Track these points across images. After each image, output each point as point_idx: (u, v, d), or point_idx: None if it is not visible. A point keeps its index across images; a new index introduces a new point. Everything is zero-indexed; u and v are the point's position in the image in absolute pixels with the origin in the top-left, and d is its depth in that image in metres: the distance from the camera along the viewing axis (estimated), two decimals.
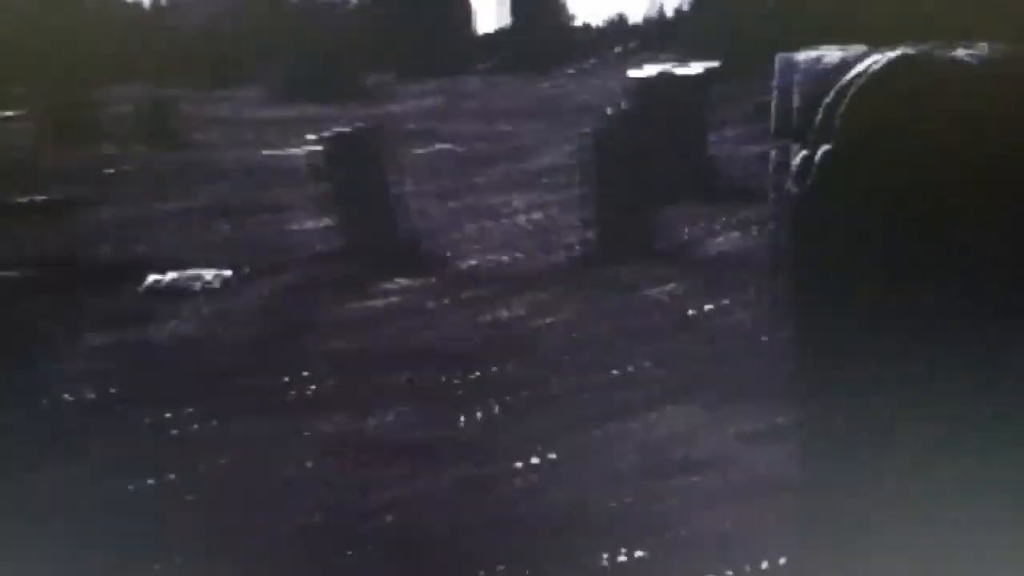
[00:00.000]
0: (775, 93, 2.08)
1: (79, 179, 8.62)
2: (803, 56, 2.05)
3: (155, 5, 15.45)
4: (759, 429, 3.25)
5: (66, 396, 3.83)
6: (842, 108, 1.91)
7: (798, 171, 1.95)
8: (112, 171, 9.18)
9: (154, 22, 15.18)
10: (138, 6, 15.58)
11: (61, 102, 11.08)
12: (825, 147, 1.91)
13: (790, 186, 1.93)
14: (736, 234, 6.46)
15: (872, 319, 1.87)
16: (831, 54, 2.01)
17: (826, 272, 1.94)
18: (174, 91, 12.46)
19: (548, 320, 4.83)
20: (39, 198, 7.44)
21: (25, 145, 10.30)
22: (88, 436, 3.47)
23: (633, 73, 7.99)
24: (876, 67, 1.88)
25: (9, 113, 12.37)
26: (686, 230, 6.68)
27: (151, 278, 5.58)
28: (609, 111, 7.02)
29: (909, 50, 1.90)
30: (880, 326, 1.87)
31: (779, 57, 2.11)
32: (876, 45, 1.97)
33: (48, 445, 3.38)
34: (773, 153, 2.11)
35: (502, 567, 2.51)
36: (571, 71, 15.25)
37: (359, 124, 7.49)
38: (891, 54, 1.89)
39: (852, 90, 1.91)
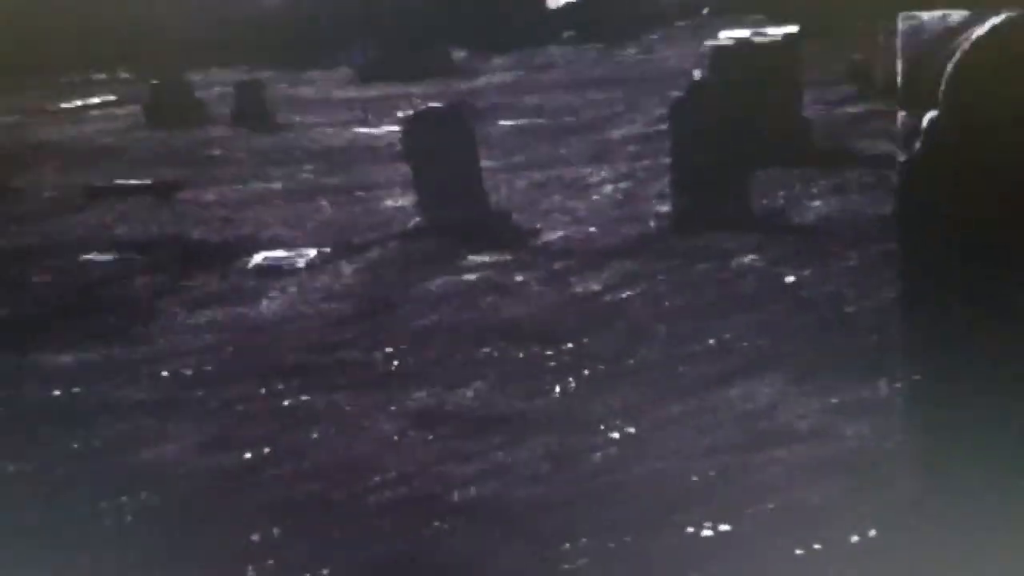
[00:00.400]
0: (901, 55, 2.00)
1: (183, 161, 9.00)
2: (927, 17, 1.98)
3: None
4: (850, 400, 3.22)
5: (177, 372, 4.05)
6: (947, 74, 1.87)
7: (905, 137, 1.92)
8: (216, 152, 9.54)
9: (245, 6, 15.58)
10: None
11: (163, 86, 11.51)
12: (932, 113, 1.87)
13: (900, 152, 1.89)
14: (832, 199, 6.31)
15: (981, 296, 1.83)
16: (954, 15, 1.93)
17: (932, 240, 1.91)
18: (266, 73, 12.84)
19: (637, 290, 4.85)
20: (145, 180, 7.80)
21: (130, 128, 10.81)
22: (191, 410, 3.66)
23: (717, 40, 7.82)
24: (981, 32, 1.83)
25: (113, 97, 12.97)
26: (780, 194, 6.55)
27: (258, 256, 5.82)
28: (697, 75, 6.92)
29: (1014, 13, 1.84)
30: (990, 303, 1.83)
31: (903, 17, 2.03)
32: (982, 8, 1.91)
33: (153, 420, 3.58)
34: (902, 116, 2.02)
35: (586, 539, 2.56)
36: (654, 36, 15.02)
37: (442, 101, 7.62)
38: (996, 19, 1.84)
39: (957, 55, 1.86)
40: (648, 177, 8.25)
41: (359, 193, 8.19)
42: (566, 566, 2.42)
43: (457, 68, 14.18)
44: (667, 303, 4.56)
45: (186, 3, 15.43)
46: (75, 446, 3.28)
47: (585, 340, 4.05)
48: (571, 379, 3.70)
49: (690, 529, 2.57)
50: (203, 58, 13.67)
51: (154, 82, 11.50)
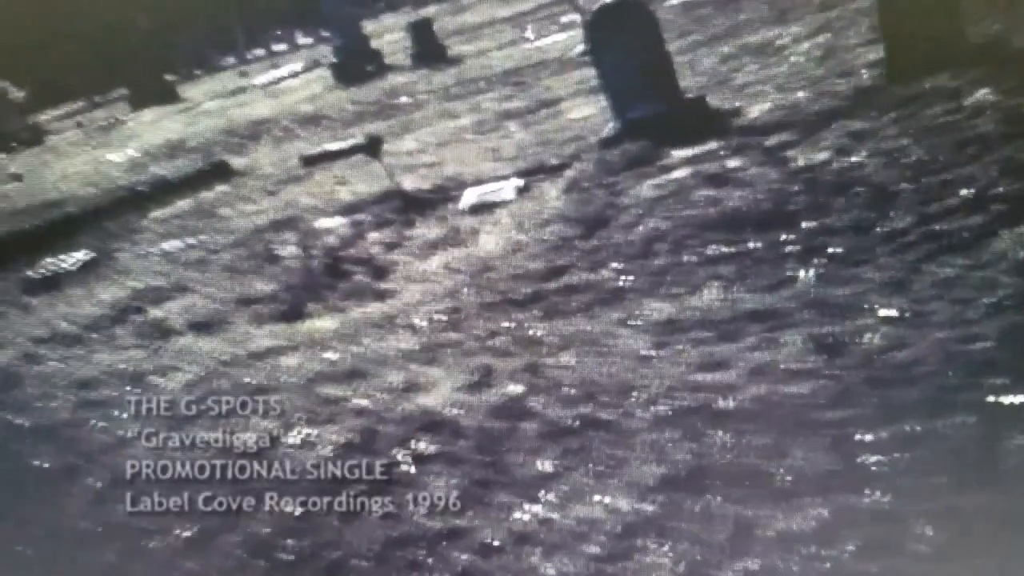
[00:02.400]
0: None
1: (378, 114, 9.37)
2: None
3: None
4: None
5: (430, 317, 4.27)
6: None
7: None
8: (404, 99, 9.84)
9: None
10: None
11: (343, 46, 11.92)
12: None
13: None
14: None
15: None
16: None
17: None
18: (431, 8, 12.99)
19: (867, 151, 4.51)
20: (350, 141, 8.19)
21: (323, 92, 11.36)
22: (453, 352, 3.84)
23: None
24: None
25: (299, 66, 13.63)
26: (994, 25, 5.79)
27: (466, 194, 5.99)
28: None
29: None
30: None
31: None
32: None
33: (421, 366, 3.81)
34: None
35: (879, 431, 2.45)
36: None
37: None
38: None
39: None
40: (845, 26, 7.58)
41: (544, 110, 8.16)
42: (864, 460, 2.36)
43: None
44: (905, 158, 4.20)
45: None
46: (364, 403, 3.57)
47: (824, 217, 3.82)
48: (817, 261, 3.53)
49: (991, 398, 2.41)
50: (372, 5, 13.96)
51: (336, 43, 11.94)
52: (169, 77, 17.10)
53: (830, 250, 3.59)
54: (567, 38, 11.39)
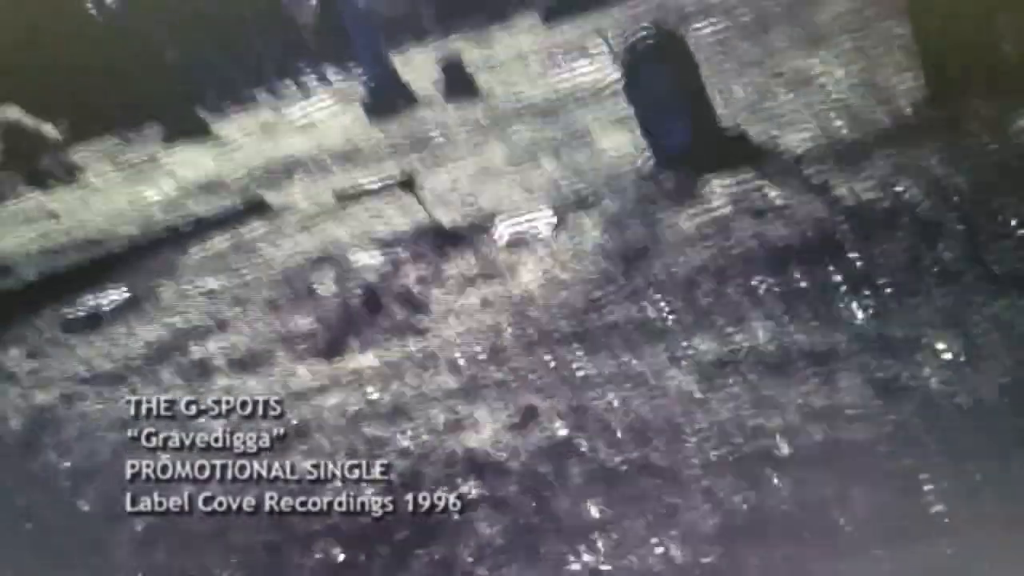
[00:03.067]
0: None
1: (412, 148, 9.42)
2: None
3: None
4: None
5: (471, 355, 4.24)
6: None
7: None
8: (436, 133, 9.89)
9: None
10: None
11: (372, 78, 12.06)
12: None
13: None
14: None
15: None
16: None
17: None
18: (458, 40, 13.11)
19: (913, 181, 4.43)
20: (384, 176, 8.24)
21: (354, 125, 11.47)
22: (497, 390, 3.80)
23: None
24: None
25: (328, 99, 13.83)
26: None
27: (502, 228, 5.97)
28: None
29: None
30: None
31: None
32: None
33: (464, 404, 3.77)
34: None
35: (939, 476, 2.37)
36: None
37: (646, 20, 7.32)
38: None
39: None
40: (880, 51, 7.51)
41: (576, 142, 8.15)
42: (928, 507, 2.28)
43: None
44: (952, 189, 4.11)
45: None
46: (406, 443, 3.54)
47: (872, 251, 3.74)
48: (868, 296, 3.45)
49: None
50: (398, 37, 14.14)
51: (366, 77, 12.08)
52: (200, 111, 17.41)
53: (881, 286, 3.51)
54: (597, 68, 11.43)
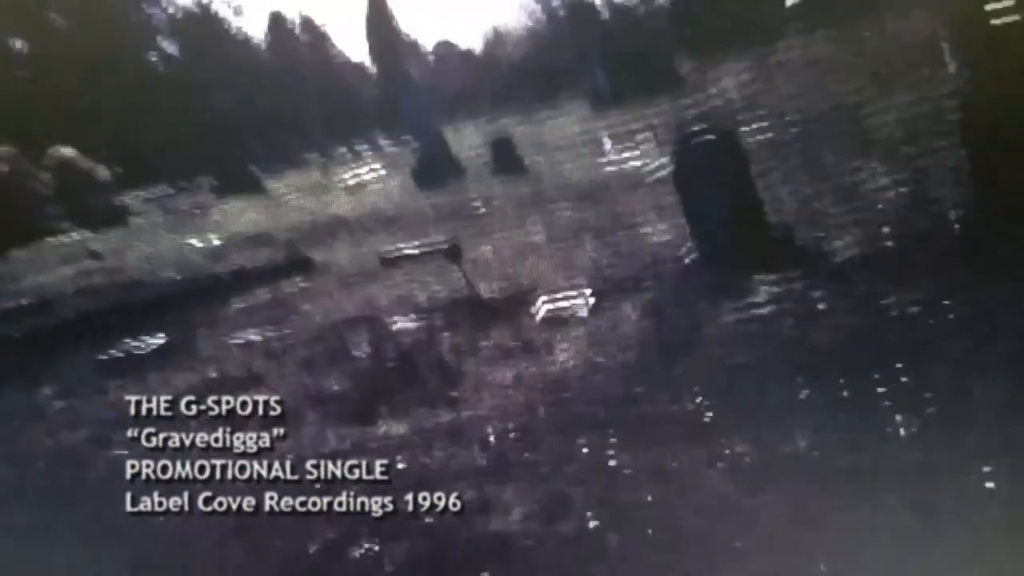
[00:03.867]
0: None
1: (456, 219, 9.53)
2: None
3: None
4: None
5: (502, 434, 4.19)
6: None
7: None
8: (481, 207, 10.00)
9: (484, 58, 16.39)
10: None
11: (423, 149, 12.32)
12: None
13: None
14: None
15: None
16: None
17: None
18: (510, 119, 13.36)
19: (960, 299, 4.36)
20: (427, 243, 8.32)
21: (402, 193, 11.65)
22: (526, 474, 3.74)
23: None
24: None
25: (379, 166, 14.12)
26: None
27: (541, 305, 5.97)
28: None
29: None
30: None
31: None
32: None
33: (493, 485, 3.70)
34: None
35: None
36: None
37: (674, 120, 7.43)
38: None
39: None
40: (930, 163, 7.52)
41: (619, 227, 8.19)
42: None
43: (691, 78, 13.92)
44: (1005, 313, 4.03)
45: (438, 64, 16.45)
46: (431, 520, 3.47)
47: (920, 369, 3.66)
48: (914, 414, 3.37)
49: None
50: (453, 113, 14.47)
51: (416, 147, 12.32)
52: (253, 168, 17.82)
53: (928, 406, 3.43)
54: (643, 155, 11.56)
